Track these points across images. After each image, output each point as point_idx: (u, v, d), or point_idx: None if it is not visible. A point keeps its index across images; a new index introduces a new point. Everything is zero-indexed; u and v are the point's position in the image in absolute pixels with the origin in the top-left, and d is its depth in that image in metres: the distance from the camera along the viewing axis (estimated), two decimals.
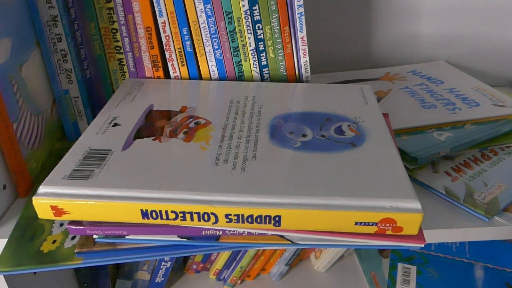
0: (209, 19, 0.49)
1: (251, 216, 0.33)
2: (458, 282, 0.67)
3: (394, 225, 0.33)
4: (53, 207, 0.33)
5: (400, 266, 0.70)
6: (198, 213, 0.33)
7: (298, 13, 0.49)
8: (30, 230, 0.40)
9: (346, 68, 0.74)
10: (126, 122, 0.42)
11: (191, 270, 0.77)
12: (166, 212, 0.33)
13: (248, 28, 0.49)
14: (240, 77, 0.52)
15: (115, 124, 0.42)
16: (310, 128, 0.42)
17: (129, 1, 0.48)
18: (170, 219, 0.33)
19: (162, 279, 0.71)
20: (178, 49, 0.50)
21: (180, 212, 0.33)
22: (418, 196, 0.47)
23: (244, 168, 0.36)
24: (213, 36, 0.50)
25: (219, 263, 0.73)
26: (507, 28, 0.73)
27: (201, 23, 0.49)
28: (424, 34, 0.72)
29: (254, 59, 0.51)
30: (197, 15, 0.49)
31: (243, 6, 0.48)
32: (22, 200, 0.44)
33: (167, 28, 0.49)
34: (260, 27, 0.49)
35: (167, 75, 0.53)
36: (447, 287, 0.67)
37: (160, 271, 0.70)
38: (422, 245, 0.34)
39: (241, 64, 0.51)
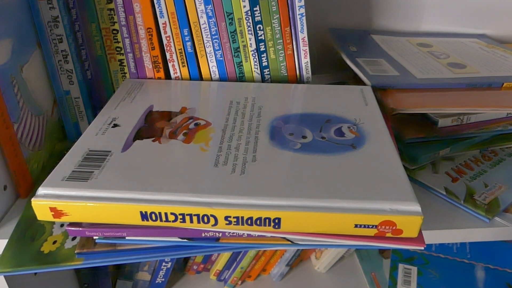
0: (210, 20, 0.49)
1: (251, 218, 0.33)
2: (459, 283, 0.67)
3: (394, 227, 0.33)
4: (52, 209, 0.33)
5: (401, 266, 0.69)
6: (198, 215, 0.33)
7: (299, 14, 0.49)
8: (30, 230, 0.40)
9: (346, 67, 0.74)
10: (125, 123, 0.42)
11: (192, 270, 0.77)
12: (166, 214, 0.33)
13: (249, 28, 0.49)
14: (241, 78, 0.52)
15: (115, 125, 0.42)
16: (310, 129, 0.42)
17: (130, 2, 0.48)
18: (170, 221, 0.33)
19: (163, 279, 0.71)
20: (179, 49, 0.50)
21: (179, 214, 0.33)
22: (418, 197, 0.46)
23: (243, 170, 0.36)
24: (214, 37, 0.50)
25: (219, 264, 0.73)
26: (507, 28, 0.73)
27: (202, 24, 0.49)
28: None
29: (255, 59, 0.51)
30: (198, 15, 0.49)
31: (244, 6, 0.48)
32: (22, 200, 0.44)
33: (167, 28, 0.49)
34: (261, 28, 0.49)
35: (167, 76, 0.53)
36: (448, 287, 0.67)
37: (161, 271, 0.70)
38: (422, 248, 0.34)
39: (242, 65, 0.51)
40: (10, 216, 0.42)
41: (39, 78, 0.49)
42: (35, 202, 0.33)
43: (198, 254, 0.38)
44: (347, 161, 0.37)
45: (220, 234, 0.36)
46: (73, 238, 0.38)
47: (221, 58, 0.51)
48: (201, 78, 0.52)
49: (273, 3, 0.48)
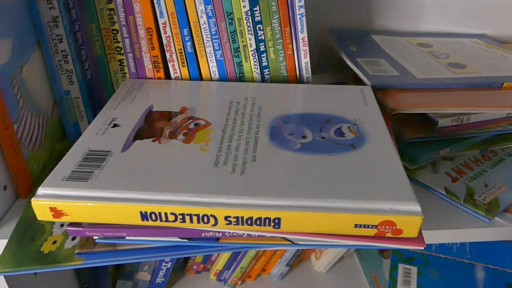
0: (210, 20, 0.49)
1: (251, 218, 0.33)
2: (459, 283, 0.67)
3: (394, 227, 0.33)
4: (52, 209, 0.33)
5: (400, 266, 0.69)
6: (198, 215, 0.33)
7: (299, 14, 0.49)
8: (30, 230, 0.40)
9: (346, 68, 0.74)
10: (125, 123, 0.42)
11: (192, 270, 0.77)
12: (166, 214, 0.33)
13: (249, 28, 0.49)
14: (241, 78, 0.52)
15: (115, 125, 0.42)
16: (310, 129, 0.42)
17: (129, 2, 0.48)
18: (170, 221, 0.33)
19: (163, 279, 0.71)
20: (179, 49, 0.50)
21: (179, 214, 0.33)
22: (418, 197, 0.46)
23: (243, 170, 0.36)
24: (213, 37, 0.50)
25: (219, 264, 0.73)
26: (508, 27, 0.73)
27: (202, 24, 0.49)
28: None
29: (255, 60, 0.51)
30: (197, 15, 0.49)
31: (244, 7, 0.48)
32: (22, 200, 0.44)
33: (167, 29, 0.49)
34: (261, 28, 0.49)
35: (167, 76, 0.53)
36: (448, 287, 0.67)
37: (161, 271, 0.70)
38: (422, 248, 0.34)
39: (242, 65, 0.51)
40: (10, 216, 0.42)
41: (39, 78, 0.49)
42: (35, 202, 0.33)
43: (198, 254, 0.38)
44: (347, 161, 0.37)
45: (220, 234, 0.36)
46: (73, 238, 0.38)
47: (221, 58, 0.51)
48: (201, 78, 0.52)
49: (273, 3, 0.48)
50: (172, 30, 0.49)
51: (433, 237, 0.43)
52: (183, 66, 0.51)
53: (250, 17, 0.49)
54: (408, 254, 0.71)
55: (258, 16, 0.49)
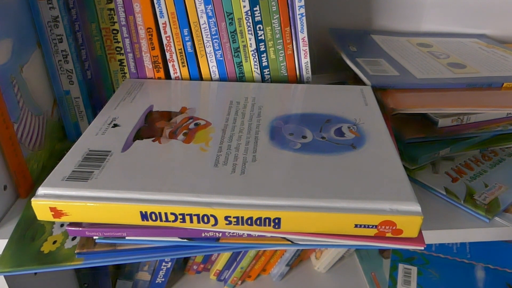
0: (210, 20, 0.49)
1: (251, 218, 0.33)
2: (459, 283, 0.67)
3: (394, 227, 0.33)
4: (52, 209, 0.33)
5: (401, 266, 0.69)
6: (198, 215, 0.33)
7: (299, 14, 0.49)
8: (30, 230, 0.40)
9: (346, 67, 0.74)
10: (125, 123, 0.42)
11: (192, 270, 0.77)
12: (166, 214, 0.33)
13: (249, 28, 0.49)
14: (241, 78, 0.52)
15: (115, 125, 0.42)
16: (310, 129, 0.42)
17: (130, 2, 0.48)
18: (170, 221, 0.33)
19: (163, 279, 0.71)
20: (179, 49, 0.50)
21: (179, 214, 0.33)
22: (418, 197, 0.46)
23: (243, 170, 0.36)
24: (214, 37, 0.50)
25: (219, 264, 0.73)
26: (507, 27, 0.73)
27: (202, 24, 0.49)
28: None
29: (255, 59, 0.51)
30: (198, 15, 0.49)
31: (244, 6, 0.48)
32: (23, 200, 0.44)
33: (167, 28, 0.49)
34: (261, 28, 0.49)
35: (167, 76, 0.53)
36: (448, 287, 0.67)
37: (161, 271, 0.70)
38: (422, 248, 0.34)
39: (242, 65, 0.51)
40: (10, 216, 0.42)
41: (39, 78, 0.49)
42: (35, 202, 0.33)
43: (198, 254, 0.38)
44: (347, 161, 0.37)
45: (220, 234, 0.36)
46: (73, 238, 0.38)
47: (221, 58, 0.51)
48: (201, 78, 0.52)
49: (273, 3, 0.48)
50: (172, 30, 0.49)
51: (433, 237, 0.43)
52: (183, 66, 0.51)
53: (250, 17, 0.49)
54: (408, 254, 0.71)
55: (258, 16, 0.49)
